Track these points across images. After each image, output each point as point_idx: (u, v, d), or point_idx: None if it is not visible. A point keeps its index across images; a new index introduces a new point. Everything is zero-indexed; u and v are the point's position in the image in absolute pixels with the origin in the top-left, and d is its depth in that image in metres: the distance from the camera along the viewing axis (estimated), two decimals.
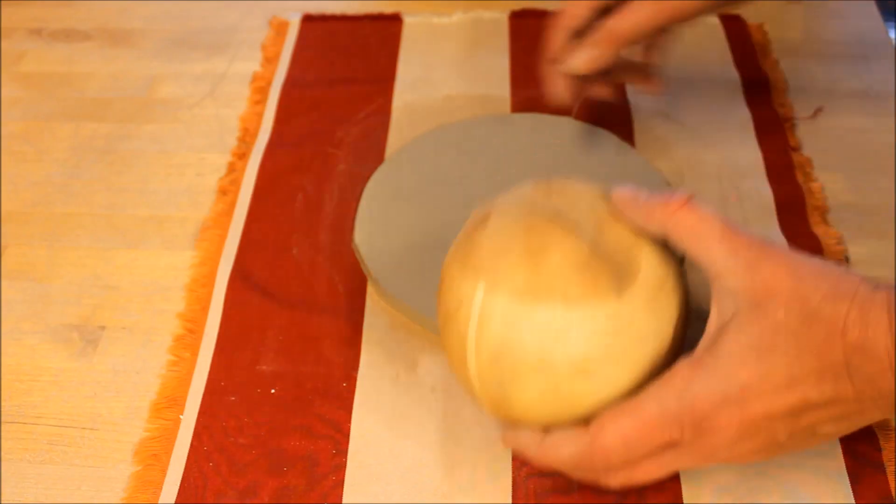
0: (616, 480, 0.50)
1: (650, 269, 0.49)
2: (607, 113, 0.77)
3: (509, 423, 0.52)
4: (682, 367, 0.47)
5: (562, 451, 0.50)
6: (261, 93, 0.82)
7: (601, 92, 0.71)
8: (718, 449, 0.48)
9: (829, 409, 0.46)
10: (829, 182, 0.71)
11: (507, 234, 0.50)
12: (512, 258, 0.49)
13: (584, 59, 0.65)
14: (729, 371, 0.46)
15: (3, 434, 0.59)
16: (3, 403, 0.61)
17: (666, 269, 0.50)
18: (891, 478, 0.54)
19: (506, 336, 0.48)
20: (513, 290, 0.48)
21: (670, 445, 0.48)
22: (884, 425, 0.57)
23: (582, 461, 0.50)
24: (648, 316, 0.48)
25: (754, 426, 0.47)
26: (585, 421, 0.49)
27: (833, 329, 0.45)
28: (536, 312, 0.47)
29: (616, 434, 0.48)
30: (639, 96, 0.79)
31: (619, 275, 0.48)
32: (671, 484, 0.54)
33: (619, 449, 0.48)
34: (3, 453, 0.58)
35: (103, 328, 0.65)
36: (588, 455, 0.49)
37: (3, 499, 0.56)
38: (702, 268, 0.48)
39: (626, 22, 0.63)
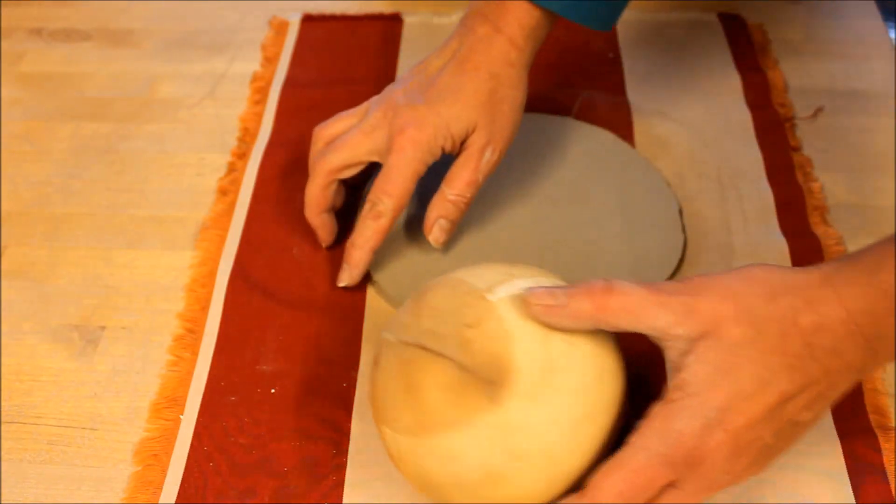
0: None
1: (528, 361, 0.48)
2: (607, 113, 0.77)
3: None
4: (656, 411, 0.48)
5: None
6: (261, 93, 0.82)
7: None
8: (716, 474, 0.48)
9: (804, 395, 0.48)
10: (829, 182, 0.71)
11: (391, 373, 0.51)
12: (398, 400, 0.50)
13: (445, 233, 0.65)
14: (702, 399, 0.47)
15: (3, 434, 0.59)
16: (3, 403, 0.61)
17: (547, 351, 0.49)
18: (890, 479, 0.54)
19: (418, 469, 0.50)
20: (406, 430, 0.50)
21: (669, 486, 0.48)
22: (883, 425, 0.57)
23: None
24: (540, 404, 0.48)
25: (742, 440, 0.47)
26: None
27: (785, 324, 0.47)
28: (429, 446, 0.49)
29: (612, 491, 0.48)
30: (639, 96, 0.79)
31: (490, 381, 0.48)
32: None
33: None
34: (3, 453, 0.59)
35: (103, 328, 0.65)
36: None
37: (3, 499, 0.56)
38: (647, 335, 0.49)
39: (463, 182, 0.64)
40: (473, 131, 0.63)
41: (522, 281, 0.52)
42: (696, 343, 0.48)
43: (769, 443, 0.48)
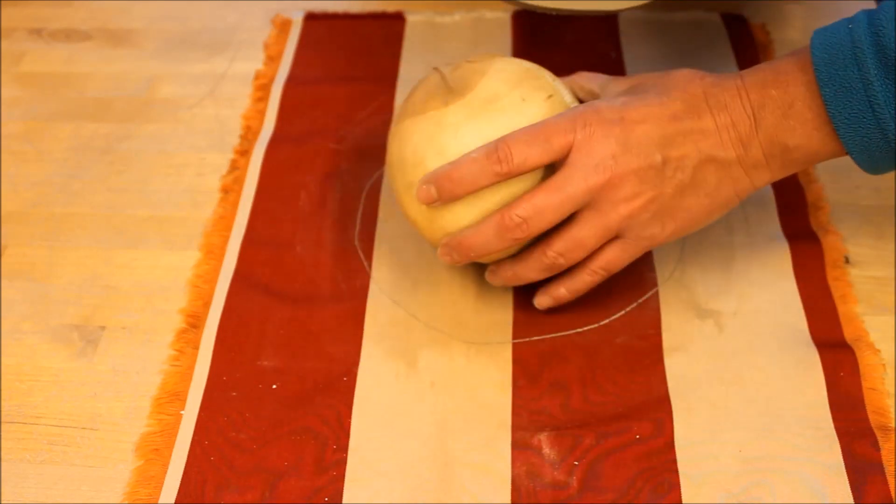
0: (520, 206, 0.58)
1: (484, 89, 0.60)
2: None
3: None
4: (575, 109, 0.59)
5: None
6: (263, 90, 0.82)
7: None
8: (623, 193, 0.57)
9: (697, 138, 0.57)
10: (829, 182, 0.71)
11: (412, 89, 0.64)
12: (405, 99, 0.64)
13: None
14: (610, 100, 0.59)
15: (3, 434, 0.59)
16: (3, 403, 0.61)
17: (502, 92, 0.59)
18: (890, 478, 0.54)
19: (389, 150, 0.63)
20: (394, 120, 0.64)
21: (583, 209, 0.57)
22: (883, 425, 0.57)
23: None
24: (473, 121, 0.59)
25: (634, 140, 0.57)
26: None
27: (692, 77, 0.60)
28: (398, 129, 0.62)
29: (516, 139, 0.57)
30: None
31: (451, 93, 0.60)
32: (671, 483, 0.55)
33: (521, 145, 0.57)
34: (3, 453, 0.58)
35: (103, 328, 0.65)
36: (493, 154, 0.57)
37: (3, 499, 0.56)
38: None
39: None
40: None
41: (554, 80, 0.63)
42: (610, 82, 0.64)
43: (657, 163, 0.57)
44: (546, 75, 0.62)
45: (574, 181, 0.57)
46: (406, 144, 0.60)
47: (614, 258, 0.60)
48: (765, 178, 0.59)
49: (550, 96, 0.60)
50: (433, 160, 0.59)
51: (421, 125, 0.60)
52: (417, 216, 0.61)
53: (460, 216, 0.59)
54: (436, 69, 0.62)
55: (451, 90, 0.60)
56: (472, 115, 0.59)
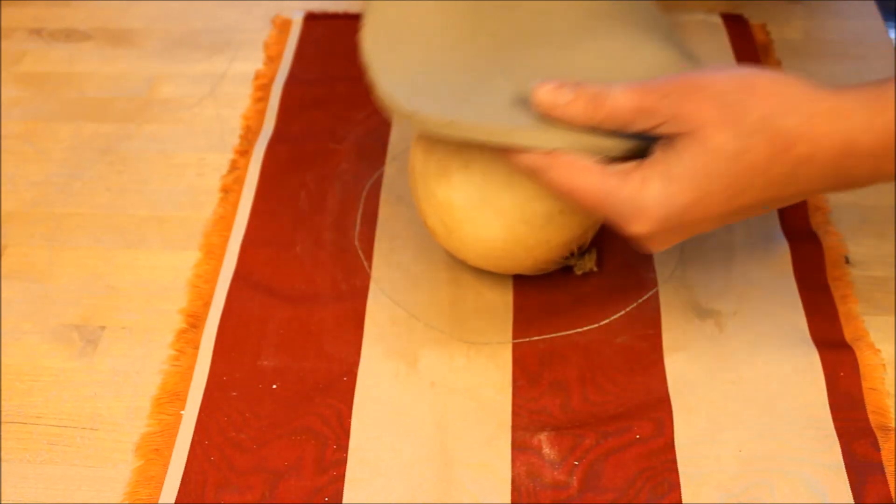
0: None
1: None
2: None
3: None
4: (644, 170, 0.51)
5: None
6: (263, 90, 0.82)
7: None
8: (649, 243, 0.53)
9: (765, 203, 0.51)
10: None
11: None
12: None
13: None
14: (672, 193, 0.50)
15: (3, 434, 0.59)
16: (3, 403, 0.61)
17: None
18: (890, 478, 0.54)
19: (412, 151, 0.63)
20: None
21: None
22: (883, 425, 0.57)
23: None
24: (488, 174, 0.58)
25: (690, 228, 0.52)
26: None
27: (777, 147, 0.48)
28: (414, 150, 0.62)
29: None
30: None
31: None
32: (671, 483, 0.55)
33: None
34: (3, 453, 0.59)
35: (103, 328, 0.65)
36: None
37: (3, 499, 0.56)
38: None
39: None
40: None
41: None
42: (678, 138, 0.50)
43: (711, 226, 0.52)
44: None
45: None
46: (431, 154, 0.60)
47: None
48: None
49: None
50: (458, 173, 0.59)
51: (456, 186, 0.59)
52: (437, 225, 0.61)
53: (481, 228, 0.59)
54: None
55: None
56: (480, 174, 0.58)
